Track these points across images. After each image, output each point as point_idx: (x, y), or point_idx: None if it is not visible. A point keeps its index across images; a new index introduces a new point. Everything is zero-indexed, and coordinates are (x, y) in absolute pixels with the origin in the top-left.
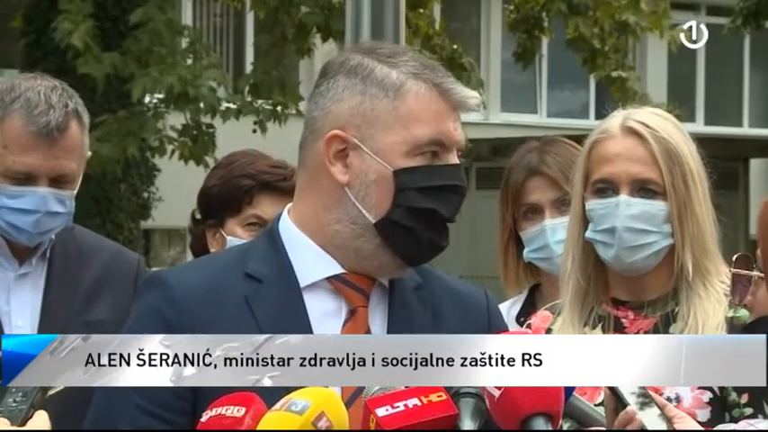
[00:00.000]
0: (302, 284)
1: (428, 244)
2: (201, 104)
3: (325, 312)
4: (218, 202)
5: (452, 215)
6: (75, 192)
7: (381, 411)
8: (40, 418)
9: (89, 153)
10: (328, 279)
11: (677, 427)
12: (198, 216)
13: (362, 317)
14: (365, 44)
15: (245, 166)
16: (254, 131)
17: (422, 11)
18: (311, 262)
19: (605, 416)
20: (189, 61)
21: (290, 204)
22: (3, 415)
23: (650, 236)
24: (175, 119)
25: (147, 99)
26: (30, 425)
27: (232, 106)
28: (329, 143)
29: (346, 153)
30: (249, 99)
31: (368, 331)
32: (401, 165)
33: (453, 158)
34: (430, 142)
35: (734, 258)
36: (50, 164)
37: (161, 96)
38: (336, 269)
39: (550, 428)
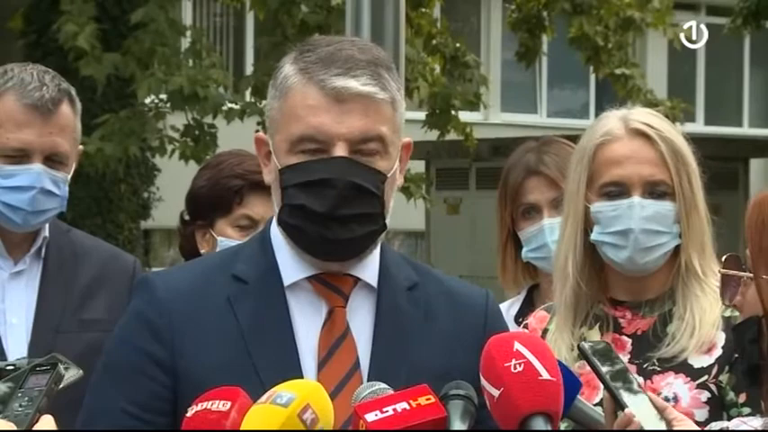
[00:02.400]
0: (285, 284)
1: (318, 239)
2: (220, 104)
3: (306, 312)
4: (208, 203)
5: (330, 209)
6: (69, 178)
7: (371, 417)
8: (46, 423)
9: (81, 147)
10: (308, 279)
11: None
12: (186, 217)
13: (340, 318)
14: (309, 39)
15: (234, 166)
16: (257, 131)
17: (423, 10)
18: (292, 262)
19: (605, 418)
20: (192, 61)
21: None
22: (9, 419)
23: (663, 236)
24: (176, 119)
25: (147, 99)
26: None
27: (235, 107)
28: (257, 146)
29: (270, 155)
30: (252, 100)
31: (346, 331)
32: (285, 163)
33: (338, 152)
34: (300, 138)
35: (723, 259)
36: (45, 140)
37: (163, 96)
38: (313, 269)
39: (550, 428)
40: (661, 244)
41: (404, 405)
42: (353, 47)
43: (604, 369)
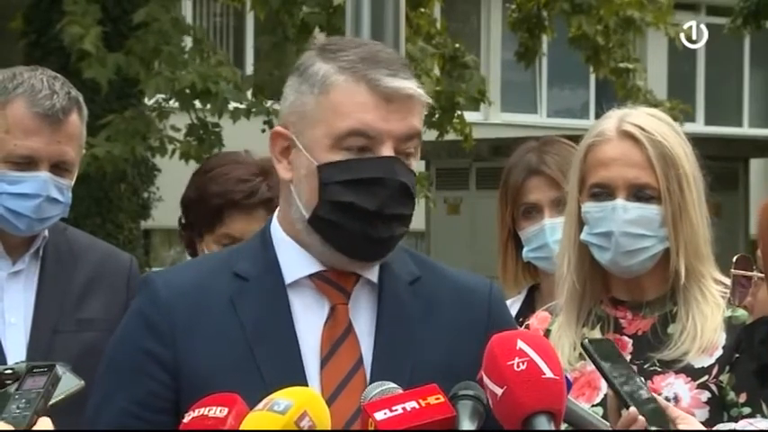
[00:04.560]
0: (287, 282)
1: (361, 238)
2: (227, 100)
3: (308, 310)
4: (194, 219)
5: (379, 208)
6: (72, 184)
7: (380, 415)
8: (44, 425)
9: (84, 151)
10: (310, 277)
11: (680, 428)
12: (183, 221)
13: (342, 314)
14: (325, 40)
15: (219, 178)
16: (263, 131)
17: (423, 10)
18: (294, 260)
19: (609, 417)
20: (197, 60)
21: None
22: (7, 421)
23: (647, 240)
24: (176, 119)
25: (150, 100)
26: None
27: (241, 106)
28: (274, 141)
29: (290, 150)
30: (252, 99)
31: (349, 327)
32: (325, 159)
33: (386, 151)
34: (350, 133)
35: (734, 259)
36: (53, 148)
37: (165, 96)
38: (316, 267)
39: (553, 427)
40: (645, 247)
41: (413, 404)
42: (384, 49)
43: (607, 366)
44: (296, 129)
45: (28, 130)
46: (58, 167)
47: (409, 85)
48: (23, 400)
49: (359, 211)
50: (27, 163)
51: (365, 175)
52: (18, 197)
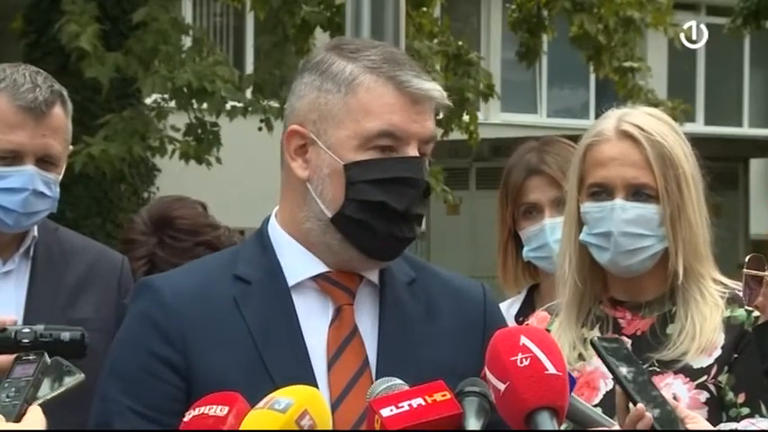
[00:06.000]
0: (290, 284)
1: (387, 237)
2: (223, 99)
3: (312, 311)
4: None
5: (407, 208)
6: (59, 178)
7: (386, 411)
8: (35, 414)
9: (71, 148)
10: (314, 278)
11: (689, 427)
12: None
13: (348, 315)
14: (338, 40)
15: (133, 253)
16: (260, 129)
17: (425, 9)
18: (297, 262)
19: (617, 414)
20: (196, 59)
21: (278, 206)
22: None
23: (646, 240)
24: (176, 119)
25: (150, 99)
26: (24, 421)
27: (238, 105)
28: (289, 139)
29: (306, 149)
30: (253, 98)
31: (355, 329)
32: (352, 158)
33: (411, 151)
34: (380, 134)
35: (746, 259)
36: (37, 141)
37: (165, 96)
38: (320, 268)
39: (555, 423)
40: (644, 247)
41: (419, 401)
42: (398, 51)
43: (616, 362)
44: (317, 127)
45: (12, 124)
46: (44, 161)
47: (435, 87)
48: (13, 389)
49: (388, 211)
50: (12, 157)
51: (394, 174)
52: (4, 192)
